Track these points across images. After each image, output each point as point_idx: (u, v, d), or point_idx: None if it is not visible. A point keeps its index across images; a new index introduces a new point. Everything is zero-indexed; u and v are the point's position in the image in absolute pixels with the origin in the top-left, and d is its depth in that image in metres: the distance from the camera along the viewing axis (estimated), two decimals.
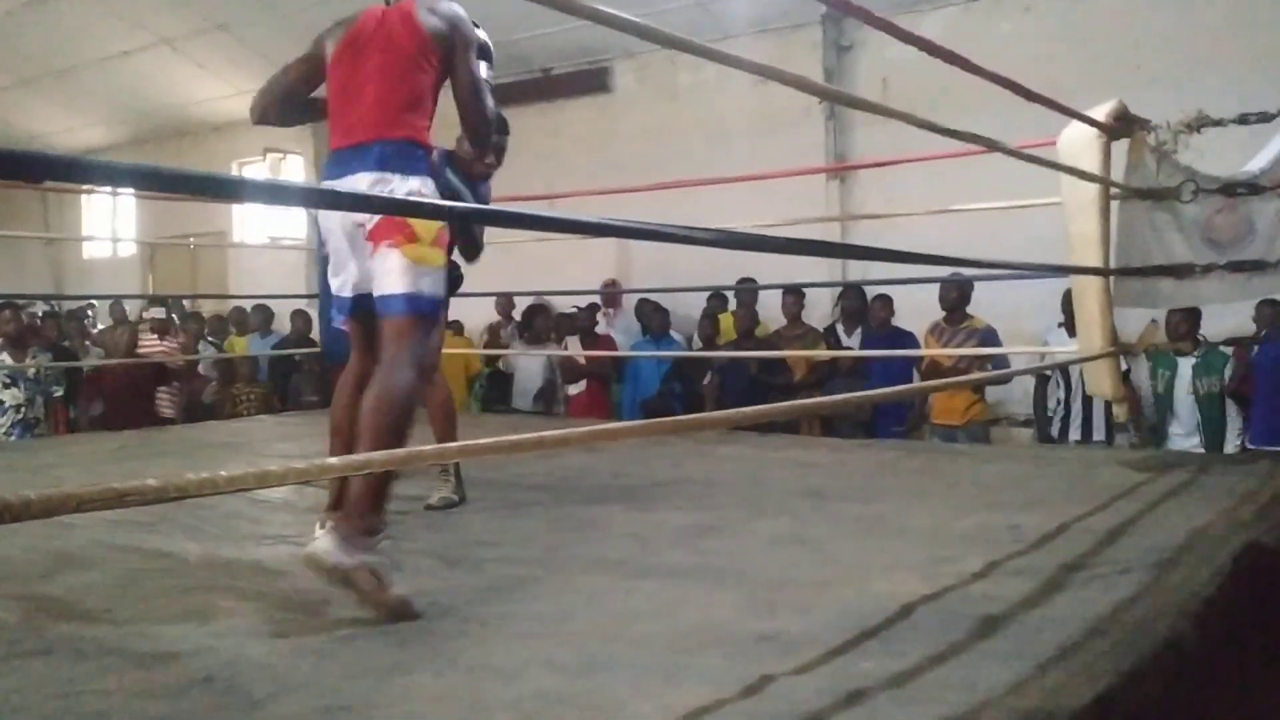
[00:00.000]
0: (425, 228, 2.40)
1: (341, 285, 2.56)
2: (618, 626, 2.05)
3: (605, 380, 7.25)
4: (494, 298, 7.77)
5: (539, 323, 7.55)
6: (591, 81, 8.66)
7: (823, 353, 6.25)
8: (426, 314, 2.43)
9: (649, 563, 2.59)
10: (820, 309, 6.97)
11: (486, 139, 2.86)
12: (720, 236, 2.01)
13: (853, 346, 6.28)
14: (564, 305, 7.68)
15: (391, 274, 2.38)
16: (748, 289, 6.78)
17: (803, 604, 2.16)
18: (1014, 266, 3.79)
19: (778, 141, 7.35)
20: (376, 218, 2.38)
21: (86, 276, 12.92)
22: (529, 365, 7.41)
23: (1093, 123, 3.60)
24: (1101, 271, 3.68)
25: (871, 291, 6.38)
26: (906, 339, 6.06)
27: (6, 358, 6.26)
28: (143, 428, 6.02)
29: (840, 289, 6.80)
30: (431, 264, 2.43)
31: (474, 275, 7.30)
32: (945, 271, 5.30)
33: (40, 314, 8.54)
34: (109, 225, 12.90)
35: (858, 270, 7.14)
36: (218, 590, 2.38)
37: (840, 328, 6.53)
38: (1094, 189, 3.63)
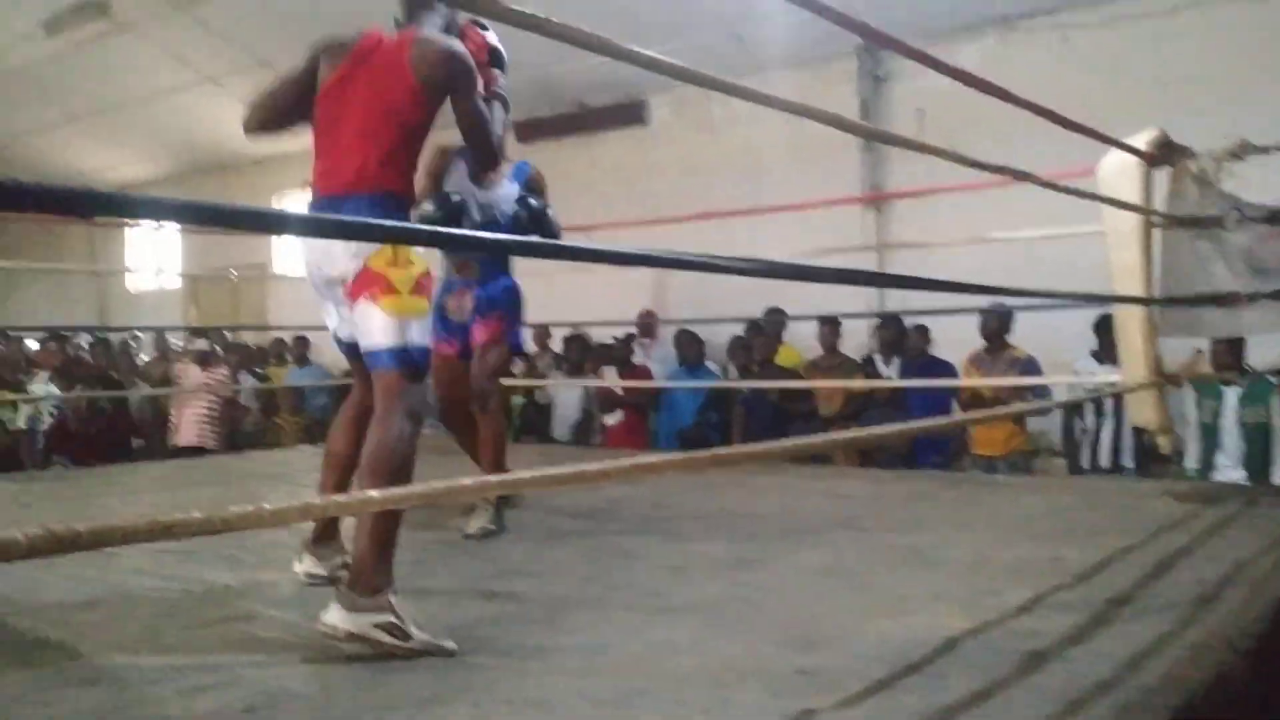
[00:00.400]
0: (402, 278, 2.33)
1: (333, 327, 2.57)
2: (656, 659, 2.04)
3: (642, 410, 7.25)
4: (531, 328, 7.80)
5: (576, 353, 7.57)
6: (628, 114, 8.72)
7: (859, 383, 6.21)
8: (417, 364, 2.37)
9: (687, 595, 2.57)
10: (857, 339, 6.93)
11: (491, 165, 2.96)
12: (757, 266, 2.01)
13: (891, 377, 6.23)
14: (601, 336, 7.69)
15: (374, 330, 2.34)
16: (781, 319, 6.76)
17: (843, 637, 2.14)
18: (1055, 295, 3.76)
19: (813, 172, 7.35)
20: (355, 273, 2.33)
21: (131, 308, 13.14)
22: (566, 396, 7.42)
23: (1133, 151, 3.57)
24: (1144, 301, 3.64)
25: (909, 321, 6.35)
26: (945, 369, 6.01)
27: (54, 388, 6.37)
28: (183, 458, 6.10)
29: (878, 319, 6.77)
30: (414, 312, 2.36)
31: None
32: (985, 300, 5.27)
33: (86, 345, 8.68)
34: (153, 258, 13.13)
35: (896, 300, 7.11)
36: (258, 620, 2.40)
37: (878, 358, 6.49)
38: (1135, 218, 3.60)
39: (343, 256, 2.35)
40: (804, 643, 2.10)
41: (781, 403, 6.32)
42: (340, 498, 1.21)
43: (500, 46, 3.17)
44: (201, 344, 7.51)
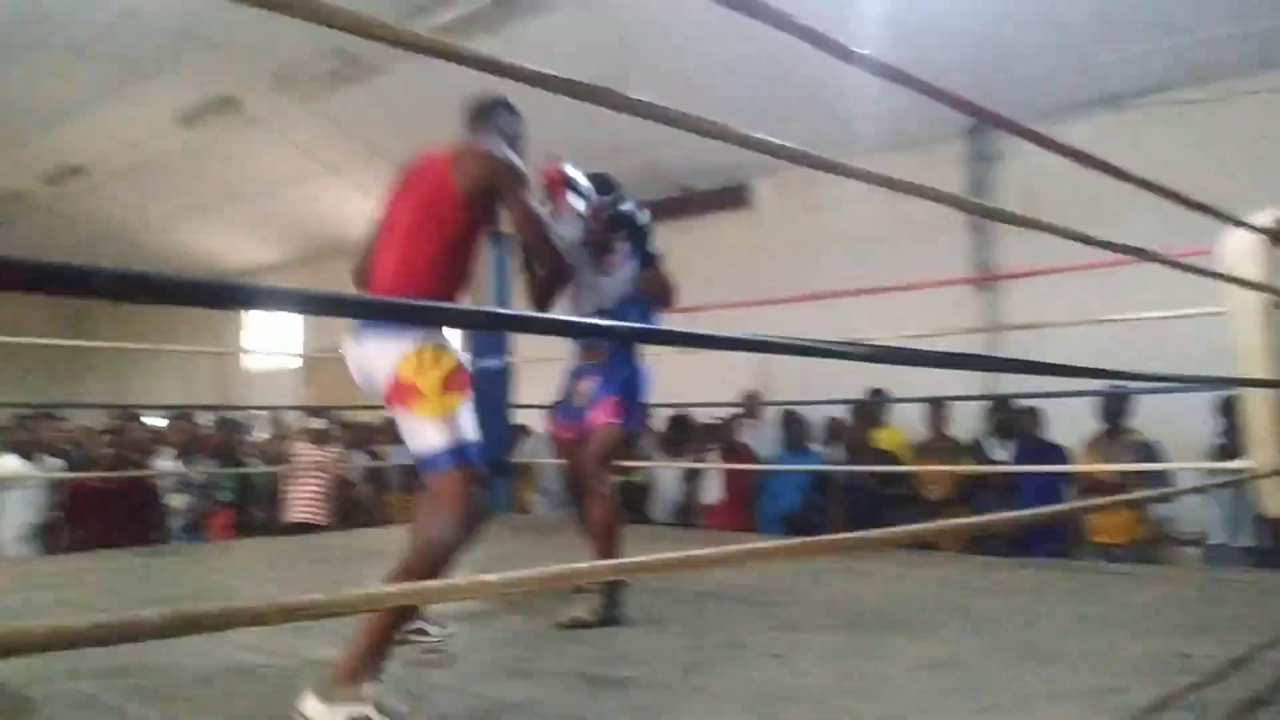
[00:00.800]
0: (428, 382, 2.36)
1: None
2: None
3: (745, 492, 7.18)
4: None
5: (677, 433, 7.56)
6: (731, 197, 8.81)
7: (969, 467, 6.06)
8: (455, 465, 2.36)
9: (793, 685, 2.52)
10: (966, 421, 6.79)
11: (554, 268, 2.77)
12: (861, 350, 1.99)
13: (1002, 460, 6.07)
14: (704, 416, 7.68)
15: (414, 436, 2.40)
16: (884, 401, 6.67)
17: None
18: (1176, 379, 3.63)
19: (921, 251, 7.31)
20: (389, 384, 2.40)
21: (251, 387, 13.63)
22: (665, 476, 7.40)
23: (1257, 229, 3.46)
24: (1272, 384, 3.49)
25: (1020, 403, 6.20)
26: (1058, 453, 5.83)
27: (180, 465, 6.62)
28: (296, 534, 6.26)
29: (988, 401, 6.62)
30: (446, 411, 2.37)
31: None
32: (1102, 383, 5.12)
33: (209, 423, 9.01)
34: (272, 339, 13.63)
35: (1007, 380, 6.95)
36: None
37: (988, 441, 6.33)
38: (1260, 297, 3.47)
39: (381, 369, 2.43)
40: None
41: (882, 486, 6.19)
42: (459, 580, 1.22)
43: (580, 177, 3.24)
44: (316, 422, 7.72)
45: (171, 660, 2.81)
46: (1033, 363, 3.01)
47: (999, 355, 7.06)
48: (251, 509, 7.49)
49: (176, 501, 6.46)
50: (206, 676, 2.66)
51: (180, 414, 7.35)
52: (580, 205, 3.31)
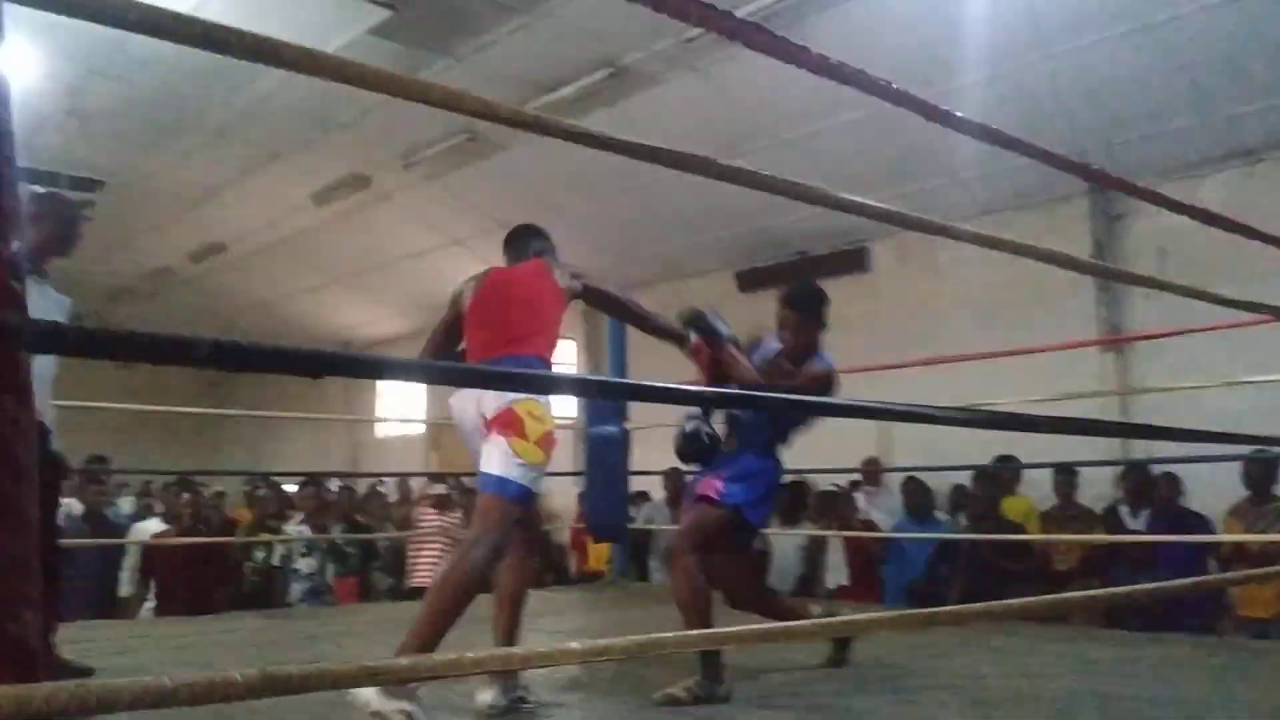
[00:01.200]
0: (534, 429, 2.85)
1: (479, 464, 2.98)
2: None
3: (868, 561, 7.01)
4: None
5: (794, 501, 7.44)
6: (849, 261, 8.75)
7: (1101, 537, 5.81)
8: (513, 498, 2.81)
9: None
10: (1096, 488, 6.51)
11: (644, 318, 3.44)
12: (978, 417, 1.95)
13: (1137, 530, 5.80)
14: (823, 483, 7.56)
15: (494, 459, 2.83)
16: (1011, 467, 6.46)
17: None
18: None
19: (1046, 314, 7.11)
20: (498, 411, 2.85)
21: (379, 454, 14.01)
22: (785, 545, 7.28)
23: None
24: None
25: (1156, 469, 5.93)
26: (1198, 521, 5.54)
27: (306, 529, 6.82)
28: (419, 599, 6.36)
29: (1122, 467, 6.34)
30: (530, 459, 2.84)
31: None
32: (1246, 447, 4.86)
33: (336, 488, 9.27)
34: (401, 407, 14.01)
35: (1140, 446, 6.67)
36: None
37: (1122, 509, 6.06)
38: None
39: (494, 403, 2.88)
40: None
41: (1008, 557, 5.96)
42: (541, 648, 1.22)
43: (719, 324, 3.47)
44: (439, 488, 7.86)
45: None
46: (1170, 429, 2.89)
47: (1130, 421, 6.79)
48: (377, 574, 7.64)
49: (303, 565, 6.64)
50: None
51: (310, 480, 7.59)
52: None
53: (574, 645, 1.14)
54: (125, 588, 6.22)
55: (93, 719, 0.97)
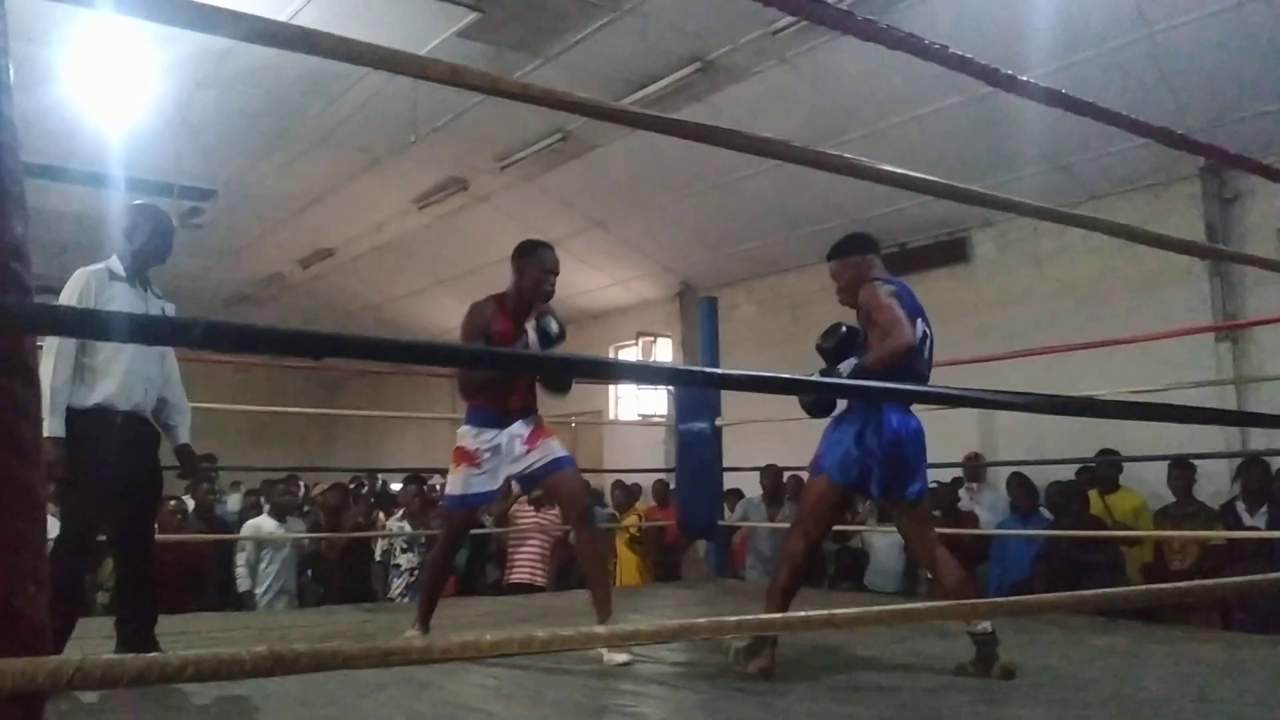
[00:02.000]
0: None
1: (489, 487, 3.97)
2: None
3: (969, 560, 6.82)
4: None
5: None
6: (950, 252, 8.54)
7: (1216, 534, 5.54)
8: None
9: None
10: (1214, 484, 6.21)
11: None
12: (1096, 404, 1.86)
13: (1257, 527, 5.51)
14: None
15: (557, 447, 3.92)
16: (1115, 462, 6.21)
17: None
18: None
19: (1155, 302, 6.82)
20: (531, 430, 3.93)
21: None
22: (883, 542, 7.14)
23: None
24: None
25: (1277, 464, 5.63)
26: None
27: (407, 525, 6.95)
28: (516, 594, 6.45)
29: (1240, 461, 6.01)
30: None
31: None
32: None
33: (439, 485, 9.42)
34: None
35: (1261, 441, 6.34)
36: None
37: (1240, 506, 5.76)
38: None
39: (526, 427, 3.92)
40: None
41: (1082, 553, 5.73)
42: (564, 631, 1.20)
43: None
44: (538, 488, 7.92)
45: (374, 713, 2.92)
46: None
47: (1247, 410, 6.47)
48: (477, 570, 7.73)
49: (404, 561, 6.77)
50: None
51: (414, 477, 7.71)
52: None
53: (600, 630, 1.12)
54: (242, 582, 6.42)
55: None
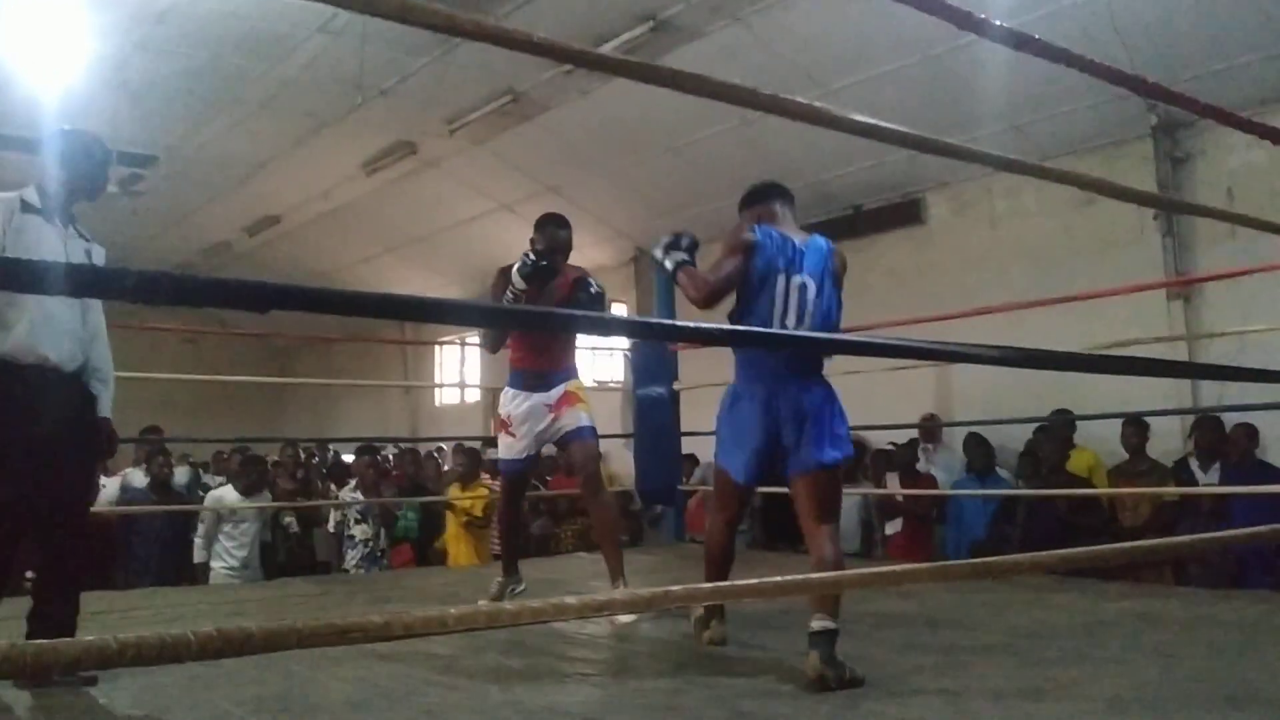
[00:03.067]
0: (586, 397, 4.20)
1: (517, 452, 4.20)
2: None
3: (926, 520, 6.86)
4: None
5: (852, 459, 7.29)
6: (904, 214, 8.52)
7: (1172, 489, 5.60)
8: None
9: None
10: (1166, 444, 6.28)
11: None
12: (1053, 356, 1.82)
13: (1211, 485, 5.57)
14: (880, 441, 7.42)
15: (582, 417, 4.10)
16: (1069, 421, 6.25)
17: None
18: None
19: (1108, 264, 6.84)
20: (560, 397, 4.11)
21: (437, 421, 14.09)
22: (846, 504, 7.14)
23: None
24: None
25: (1230, 420, 5.68)
26: (1276, 475, 5.30)
27: (360, 496, 6.85)
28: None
29: (1193, 420, 6.07)
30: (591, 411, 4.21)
31: None
32: None
33: (392, 456, 9.31)
34: (458, 374, 14.06)
35: (1210, 396, 6.42)
36: None
37: (1193, 462, 5.83)
38: None
39: (557, 391, 4.10)
40: None
41: (1073, 514, 5.77)
42: (534, 603, 1.14)
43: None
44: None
45: (326, 684, 2.85)
46: (1236, 369, 2.72)
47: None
48: (434, 540, 7.64)
49: (358, 532, 6.66)
50: (360, 702, 2.67)
51: (365, 449, 7.60)
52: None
53: (570, 600, 1.06)
54: (199, 554, 6.24)
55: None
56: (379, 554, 6.72)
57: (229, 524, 6.24)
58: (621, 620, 3.75)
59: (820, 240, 3.29)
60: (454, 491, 7.31)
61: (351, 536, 6.65)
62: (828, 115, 1.63)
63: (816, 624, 2.78)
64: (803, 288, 3.13)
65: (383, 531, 6.77)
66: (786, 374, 3.13)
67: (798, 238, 3.24)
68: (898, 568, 2.28)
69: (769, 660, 3.13)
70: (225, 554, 6.22)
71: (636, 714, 2.45)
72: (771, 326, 3.12)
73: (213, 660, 0.92)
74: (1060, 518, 5.77)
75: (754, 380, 3.18)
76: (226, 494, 6.39)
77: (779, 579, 1.46)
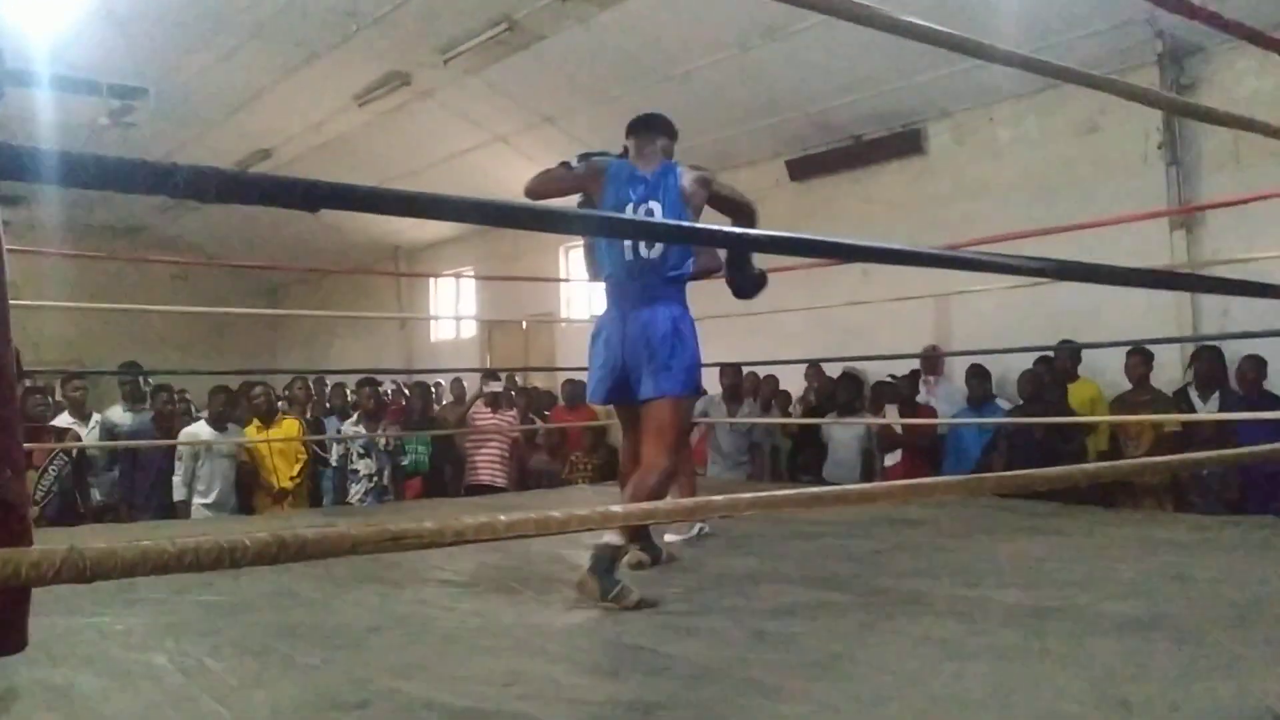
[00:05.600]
0: None
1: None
2: (944, 712, 1.84)
3: (925, 451, 6.90)
4: (804, 365, 7.67)
5: (848, 391, 7.31)
6: (904, 144, 8.43)
7: (1168, 416, 5.62)
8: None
9: (978, 643, 2.33)
10: (1166, 373, 6.29)
11: None
12: (1051, 266, 1.80)
13: (1210, 413, 5.59)
14: (880, 374, 7.42)
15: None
16: (1081, 347, 6.24)
17: (1166, 699, 1.85)
18: None
19: (1111, 193, 6.80)
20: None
21: (433, 356, 14.06)
22: (843, 435, 7.19)
23: None
24: None
25: (1235, 353, 5.69)
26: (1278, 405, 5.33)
27: (362, 429, 6.84)
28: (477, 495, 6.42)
29: (1193, 351, 6.07)
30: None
31: (787, 342, 7.20)
32: None
33: (390, 390, 9.29)
34: (453, 309, 14.00)
35: (1212, 326, 6.42)
36: (529, 653, 2.38)
37: (1193, 392, 5.84)
38: None
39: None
40: (1117, 701, 1.84)
41: (1070, 443, 5.80)
42: (556, 513, 1.13)
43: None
44: (495, 387, 7.84)
45: (341, 610, 2.86)
46: (1245, 283, 2.68)
47: (1200, 302, 6.54)
48: (441, 472, 7.66)
49: (362, 467, 6.67)
50: (375, 626, 2.68)
51: (366, 380, 7.59)
52: None
53: (616, 509, 1.05)
54: (178, 491, 6.23)
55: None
56: (384, 488, 6.74)
57: (205, 461, 6.22)
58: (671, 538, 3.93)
59: (673, 168, 3.47)
60: None
61: (355, 470, 6.65)
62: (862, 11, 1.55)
63: (605, 538, 2.94)
64: (648, 214, 3.34)
65: (388, 467, 6.77)
66: (638, 303, 3.36)
67: (650, 169, 3.46)
68: (864, 486, 2.28)
69: (787, 584, 3.15)
70: (203, 491, 6.23)
71: (656, 636, 2.46)
72: (624, 255, 3.38)
73: (269, 565, 0.91)
74: (1041, 442, 5.79)
75: (611, 307, 3.47)
76: (201, 430, 6.37)
77: (751, 495, 1.45)
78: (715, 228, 2.01)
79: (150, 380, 7.18)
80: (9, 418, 0.86)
